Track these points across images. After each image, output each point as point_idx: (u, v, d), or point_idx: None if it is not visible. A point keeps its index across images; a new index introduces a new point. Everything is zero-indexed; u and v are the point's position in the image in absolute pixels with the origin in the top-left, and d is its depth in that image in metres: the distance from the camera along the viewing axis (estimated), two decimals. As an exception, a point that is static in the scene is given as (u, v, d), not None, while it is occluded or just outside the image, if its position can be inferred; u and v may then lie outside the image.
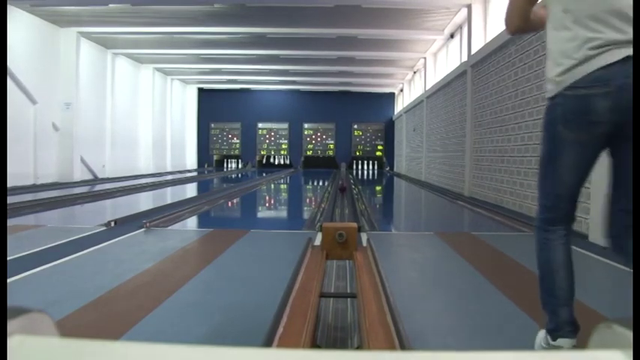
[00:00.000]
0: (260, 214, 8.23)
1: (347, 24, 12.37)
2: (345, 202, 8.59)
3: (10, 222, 5.48)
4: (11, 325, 0.39)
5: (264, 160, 25.23)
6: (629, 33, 1.70)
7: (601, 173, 4.61)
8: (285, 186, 14.89)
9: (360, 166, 24.93)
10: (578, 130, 1.81)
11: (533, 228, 2.12)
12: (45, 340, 0.42)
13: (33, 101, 11.56)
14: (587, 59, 1.74)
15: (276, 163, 25.08)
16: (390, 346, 1.50)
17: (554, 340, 1.90)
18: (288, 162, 24.98)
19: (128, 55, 16.69)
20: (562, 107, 1.82)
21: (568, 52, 1.79)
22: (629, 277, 3.36)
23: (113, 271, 3.37)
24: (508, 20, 2.09)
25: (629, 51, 1.68)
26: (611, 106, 1.72)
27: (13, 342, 0.37)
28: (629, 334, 0.39)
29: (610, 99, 1.71)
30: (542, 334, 2.04)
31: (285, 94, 24.74)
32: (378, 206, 9.96)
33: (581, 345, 0.49)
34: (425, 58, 15.82)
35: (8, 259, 3.56)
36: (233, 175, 19.59)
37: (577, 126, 1.80)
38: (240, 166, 25.03)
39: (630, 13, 1.70)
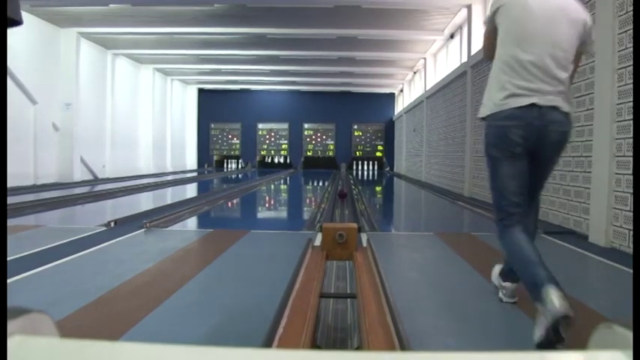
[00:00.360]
0: (260, 215, 8.23)
1: (347, 24, 12.37)
2: (345, 203, 8.59)
3: (10, 222, 5.48)
4: (11, 325, 0.39)
5: (268, 158, 25.20)
6: (539, 84, 2.29)
7: (601, 174, 4.61)
8: (285, 186, 14.89)
9: (360, 167, 24.92)
10: (503, 150, 2.39)
11: (496, 226, 2.51)
12: (45, 341, 0.42)
13: (33, 101, 11.56)
14: (505, 101, 2.34)
15: (277, 162, 25.07)
16: (390, 347, 1.50)
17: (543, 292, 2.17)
18: (288, 162, 24.97)
19: (128, 56, 16.69)
20: (490, 134, 2.43)
21: (492, 94, 2.42)
22: (629, 278, 3.36)
23: (113, 271, 3.37)
24: (484, 51, 2.66)
25: (534, 99, 2.28)
26: (522, 135, 2.32)
27: (13, 342, 0.37)
28: (629, 335, 0.39)
29: (521, 129, 2.31)
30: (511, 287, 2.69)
31: (285, 94, 24.74)
32: (378, 207, 9.96)
33: (581, 345, 0.50)
34: (425, 59, 15.83)
35: (8, 259, 3.56)
36: (233, 176, 19.59)
37: (501, 147, 2.39)
38: (240, 166, 25.03)
39: (543, 67, 2.29)
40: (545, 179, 2.57)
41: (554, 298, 2.07)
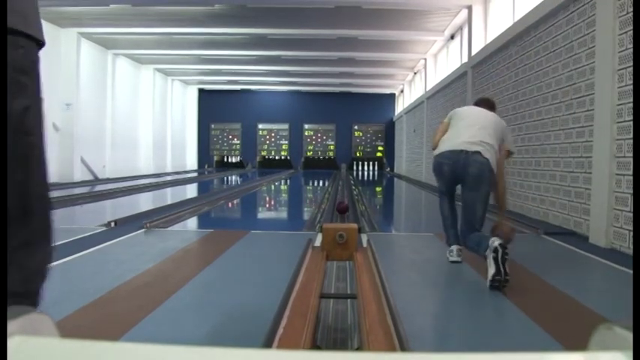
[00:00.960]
0: (260, 215, 8.23)
1: (347, 25, 12.37)
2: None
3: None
4: (11, 325, 0.39)
5: (269, 155, 25.19)
6: (470, 138, 3.60)
7: (602, 174, 4.61)
8: (286, 187, 14.89)
9: (360, 167, 24.91)
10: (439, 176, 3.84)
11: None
12: (45, 341, 0.42)
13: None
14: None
15: (277, 162, 25.05)
16: (390, 348, 1.50)
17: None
18: (288, 163, 24.96)
19: (129, 56, 16.70)
20: (434, 163, 3.81)
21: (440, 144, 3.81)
22: (629, 279, 3.35)
23: (113, 271, 3.37)
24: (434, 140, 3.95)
25: (465, 147, 3.57)
26: (449, 170, 3.67)
27: (13, 343, 0.37)
28: (630, 336, 0.39)
29: (449, 167, 3.66)
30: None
31: (285, 94, 24.74)
32: (378, 207, 9.95)
33: (581, 346, 0.50)
34: (425, 59, 15.83)
35: (8, 259, 3.56)
36: (233, 176, 19.60)
37: (438, 174, 3.84)
38: (238, 159, 25.01)
39: (482, 131, 3.66)
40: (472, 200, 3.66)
41: (454, 253, 3.83)
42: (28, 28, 1.09)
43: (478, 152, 3.52)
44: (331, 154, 25.23)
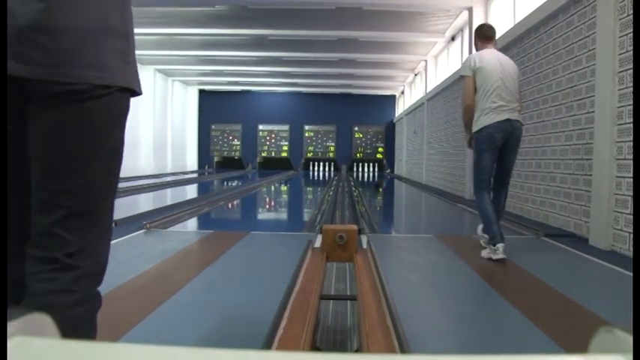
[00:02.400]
0: (260, 216, 8.23)
1: (348, 26, 12.38)
2: (346, 204, 8.59)
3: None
4: (11, 326, 0.39)
5: (269, 154, 25.19)
6: (508, 103, 3.93)
7: (602, 176, 4.61)
8: (286, 188, 14.90)
9: (360, 169, 24.92)
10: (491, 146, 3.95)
11: (475, 191, 4.17)
12: (45, 342, 0.42)
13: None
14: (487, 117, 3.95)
15: (277, 162, 25.05)
16: (390, 349, 1.50)
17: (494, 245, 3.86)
18: (288, 164, 24.96)
19: (129, 56, 16.69)
20: (483, 137, 3.97)
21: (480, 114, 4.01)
22: (629, 281, 3.35)
23: (113, 272, 3.36)
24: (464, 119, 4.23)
25: (507, 115, 3.91)
26: (501, 137, 3.90)
27: (13, 343, 0.37)
28: (630, 339, 0.39)
29: (501, 134, 3.90)
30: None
31: (285, 95, 24.75)
32: (378, 208, 9.96)
33: (581, 349, 0.49)
34: (426, 61, 15.83)
35: (8, 259, 3.56)
36: (233, 177, 19.59)
37: (490, 144, 3.95)
38: (237, 156, 25.02)
39: (509, 91, 3.95)
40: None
41: (500, 251, 3.84)
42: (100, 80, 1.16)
43: (517, 120, 3.95)
44: (331, 155, 25.23)
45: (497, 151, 3.99)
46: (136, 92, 1.30)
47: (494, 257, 3.86)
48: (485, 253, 3.96)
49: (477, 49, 4.39)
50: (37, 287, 1.14)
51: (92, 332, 1.30)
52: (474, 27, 10.06)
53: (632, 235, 4.16)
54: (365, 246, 3.66)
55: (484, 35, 4.33)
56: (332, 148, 25.29)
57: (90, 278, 1.36)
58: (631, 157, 4.21)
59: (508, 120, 3.89)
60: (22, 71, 1.07)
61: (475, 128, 4.04)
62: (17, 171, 1.14)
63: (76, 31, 1.12)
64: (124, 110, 1.26)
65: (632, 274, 3.51)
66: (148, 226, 5.18)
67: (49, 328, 0.44)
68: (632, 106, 4.20)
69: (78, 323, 1.22)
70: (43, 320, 0.44)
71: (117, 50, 1.23)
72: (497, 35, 8.61)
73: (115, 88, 1.20)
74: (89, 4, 1.14)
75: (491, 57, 4.09)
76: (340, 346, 2.20)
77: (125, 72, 1.25)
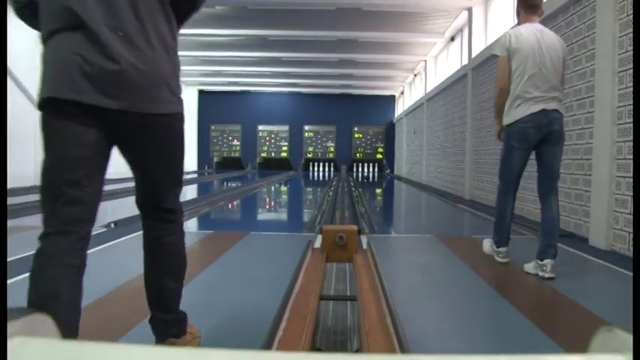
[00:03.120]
0: (260, 216, 8.23)
1: (348, 27, 12.38)
2: (345, 205, 8.59)
3: (10, 223, 5.47)
4: (12, 326, 0.39)
5: (269, 154, 25.19)
6: (544, 93, 3.45)
7: (602, 176, 4.61)
8: (286, 188, 14.89)
9: (360, 169, 24.92)
10: (524, 142, 3.57)
11: (499, 191, 3.91)
12: (45, 342, 0.42)
13: (33, 102, 11.54)
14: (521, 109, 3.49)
15: (277, 163, 25.05)
16: (390, 350, 1.50)
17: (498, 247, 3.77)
18: (288, 164, 24.96)
19: (129, 57, 16.68)
20: (513, 132, 3.56)
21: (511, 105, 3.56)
22: (629, 281, 3.35)
23: (113, 272, 3.36)
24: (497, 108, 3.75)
25: (543, 105, 3.43)
26: (536, 132, 3.46)
27: (13, 343, 0.37)
28: (630, 338, 0.39)
29: (535, 129, 3.46)
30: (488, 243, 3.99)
31: (285, 96, 24.76)
32: (378, 209, 9.96)
33: (581, 349, 0.49)
34: (425, 61, 15.84)
35: (7, 260, 3.56)
36: (233, 177, 19.59)
37: (523, 140, 3.55)
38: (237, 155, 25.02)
39: (547, 79, 3.45)
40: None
41: (503, 255, 3.80)
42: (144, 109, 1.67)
43: (556, 110, 3.46)
44: (331, 155, 25.23)
45: (530, 149, 3.59)
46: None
47: (499, 260, 3.78)
48: (530, 268, 3.53)
49: (518, 21, 3.69)
50: (153, 233, 2.09)
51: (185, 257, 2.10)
52: (474, 27, 10.11)
53: (631, 235, 4.16)
54: (365, 246, 3.66)
55: (528, 4, 3.59)
56: (332, 149, 25.30)
57: (181, 224, 2.06)
58: (631, 157, 4.21)
59: (543, 111, 3.41)
60: (110, 104, 1.57)
61: (506, 121, 3.58)
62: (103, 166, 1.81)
63: (152, 77, 1.63)
64: (182, 127, 1.83)
65: (631, 273, 3.51)
66: (147, 226, 5.17)
67: (50, 329, 0.44)
68: (632, 106, 4.21)
69: (180, 249, 2.09)
70: (44, 321, 0.44)
71: (174, 90, 1.74)
72: (497, 36, 8.64)
73: (175, 114, 1.75)
74: (162, 59, 1.67)
75: (530, 36, 3.46)
76: (340, 347, 2.20)
77: (178, 103, 1.77)
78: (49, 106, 1.57)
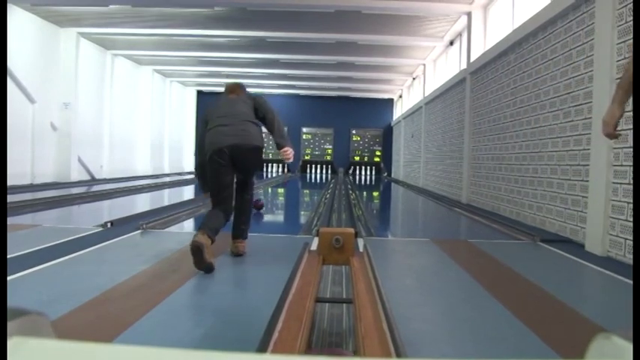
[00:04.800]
0: (256, 218, 8.22)
1: (347, 29, 12.40)
2: (342, 207, 8.59)
3: (7, 221, 5.45)
4: (10, 326, 0.39)
5: (265, 158, 25.18)
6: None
7: (598, 183, 4.61)
8: (283, 190, 14.89)
9: (357, 172, 24.92)
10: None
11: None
12: (44, 342, 0.41)
13: (32, 100, 11.54)
14: None
15: (275, 165, 25.02)
16: (386, 353, 1.49)
17: None
18: (286, 166, 24.94)
19: (128, 57, 16.69)
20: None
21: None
22: (625, 287, 3.36)
23: (109, 272, 3.36)
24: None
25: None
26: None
27: (12, 343, 0.37)
28: (629, 346, 0.39)
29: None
30: None
31: (283, 98, 24.74)
32: (375, 212, 9.96)
33: (578, 356, 0.49)
34: (424, 65, 15.87)
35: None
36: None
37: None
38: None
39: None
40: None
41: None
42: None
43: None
44: (329, 158, 25.23)
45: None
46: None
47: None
48: None
49: None
50: (243, 195, 4.10)
51: (250, 212, 4.30)
52: (473, 32, 10.14)
53: (627, 242, 4.17)
54: (361, 249, 3.66)
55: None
56: (329, 151, 25.29)
57: (252, 195, 4.26)
58: (627, 163, 4.23)
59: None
60: (237, 141, 3.79)
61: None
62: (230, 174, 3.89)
63: (252, 135, 3.88)
64: (262, 152, 4.00)
65: (628, 280, 3.52)
66: (144, 226, 5.17)
67: (47, 329, 0.44)
68: (629, 113, 4.22)
69: (250, 200, 4.27)
70: (41, 321, 0.44)
71: (260, 137, 3.97)
72: (496, 41, 8.67)
73: (260, 146, 3.94)
74: (255, 133, 3.95)
75: None
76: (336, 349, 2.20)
77: (262, 141, 3.96)
78: (211, 155, 3.78)
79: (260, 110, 4.03)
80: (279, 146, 4.00)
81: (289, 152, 3.93)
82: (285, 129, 4.27)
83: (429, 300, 3.07)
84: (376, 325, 1.74)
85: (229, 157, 3.74)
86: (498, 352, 2.18)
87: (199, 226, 3.60)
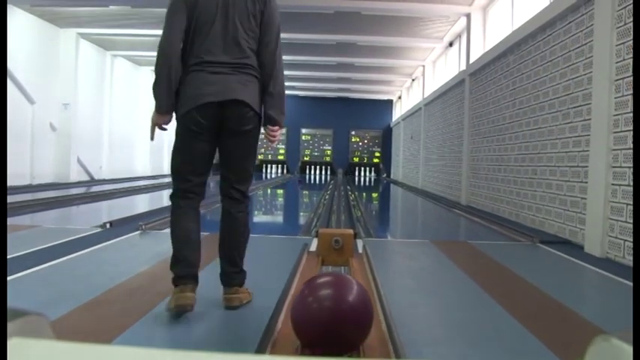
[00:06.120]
0: (256, 219, 8.22)
1: (347, 30, 12.40)
2: (342, 209, 8.59)
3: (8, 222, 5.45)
4: (10, 327, 0.39)
5: (264, 160, 25.19)
6: None
7: (597, 184, 4.62)
8: (282, 191, 14.88)
9: (357, 173, 24.92)
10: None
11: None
12: (43, 343, 0.41)
13: (31, 101, 11.53)
14: None
15: (274, 166, 25.03)
16: (385, 354, 1.50)
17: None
18: (285, 167, 24.94)
19: (127, 57, 16.68)
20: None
21: None
22: (624, 289, 3.36)
23: (107, 273, 3.35)
24: None
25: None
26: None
27: (12, 344, 0.37)
28: (629, 349, 0.39)
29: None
30: None
31: (283, 98, 24.73)
32: (374, 213, 9.96)
33: (577, 358, 0.49)
34: (424, 66, 15.88)
35: (2, 259, 3.54)
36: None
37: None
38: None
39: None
40: None
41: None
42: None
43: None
44: (328, 159, 25.23)
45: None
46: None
47: None
48: None
49: None
50: (232, 210, 2.61)
51: (247, 225, 2.71)
52: (472, 33, 10.15)
53: (626, 243, 4.17)
54: (360, 250, 3.66)
55: None
56: (329, 152, 25.29)
57: (247, 204, 2.67)
58: (627, 165, 4.23)
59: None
60: (221, 97, 2.41)
61: None
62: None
63: (252, 95, 2.55)
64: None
65: (627, 282, 3.52)
66: (143, 227, 5.16)
67: (46, 330, 0.44)
68: (628, 115, 4.22)
69: (245, 223, 2.66)
70: (41, 322, 0.44)
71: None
72: (495, 42, 8.68)
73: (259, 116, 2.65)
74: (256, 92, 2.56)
75: None
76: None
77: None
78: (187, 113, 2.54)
79: (264, 28, 2.51)
80: (270, 119, 2.65)
81: (279, 134, 2.73)
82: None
83: (428, 301, 3.07)
84: (375, 327, 1.74)
85: (213, 122, 2.45)
86: (497, 353, 2.18)
87: (176, 272, 2.53)
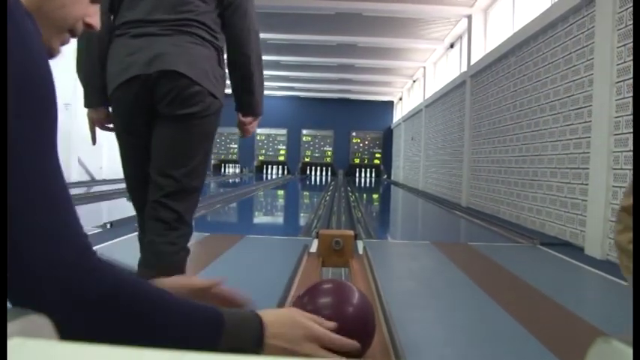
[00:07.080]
0: (256, 220, 8.22)
1: (347, 32, 12.41)
2: (342, 210, 8.59)
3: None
4: (10, 327, 0.39)
5: (267, 159, 25.22)
6: None
7: (598, 186, 4.62)
8: (282, 192, 14.89)
9: (357, 174, 24.91)
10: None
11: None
12: (44, 343, 0.41)
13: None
14: None
15: (274, 167, 25.04)
16: (385, 357, 1.49)
17: None
18: (285, 168, 24.95)
19: (128, 58, 16.69)
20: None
21: None
22: (625, 291, 3.36)
23: (108, 273, 3.35)
24: None
25: None
26: None
27: (12, 344, 0.37)
28: (629, 350, 0.39)
29: None
30: None
31: (283, 100, 24.74)
32: (375, 214, 9.96)
33: (578, 359, 0.49)
34: (424, 68, 15.88)
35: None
36: (230, 180, 19.57)
37: None
38: (237, 170, 25.02)
39: None
40: None
41: None
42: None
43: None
44: (329, 160, 25.23)
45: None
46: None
47: None
48: None
49: None
50: (157, 239, 1.85)
51: (184, 272, 1.83)
52: (473, 35, 10.15)
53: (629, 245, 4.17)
54: (361, 252, 3.66)
55: None
56: (329, 153, 25.29)
57: (186, 237, 1.95)
58: (627, 167, 4.23)
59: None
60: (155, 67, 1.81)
61: None
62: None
63: (197, 64, 1.93)
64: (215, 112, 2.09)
65: (627, 284, 3.51)
66: (143, 227, 5.15)
67: (47, 330, 0.44)
68: (629, 117, 4.23)
69: (177, 266, 1.83)
70: (41, 322, 0.44)
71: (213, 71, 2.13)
72: (496, 44, 8.68)
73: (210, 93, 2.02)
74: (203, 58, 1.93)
75: None
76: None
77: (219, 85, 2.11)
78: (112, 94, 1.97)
79: None
80: (244, 106, 2.20)
81: (254, 125, 2.20)
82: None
83: (429, 303, 3.07)
84: (375, 328, 1.74)
85: (142, 107, 1.82)
86: (498, 355, 2.18)
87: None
